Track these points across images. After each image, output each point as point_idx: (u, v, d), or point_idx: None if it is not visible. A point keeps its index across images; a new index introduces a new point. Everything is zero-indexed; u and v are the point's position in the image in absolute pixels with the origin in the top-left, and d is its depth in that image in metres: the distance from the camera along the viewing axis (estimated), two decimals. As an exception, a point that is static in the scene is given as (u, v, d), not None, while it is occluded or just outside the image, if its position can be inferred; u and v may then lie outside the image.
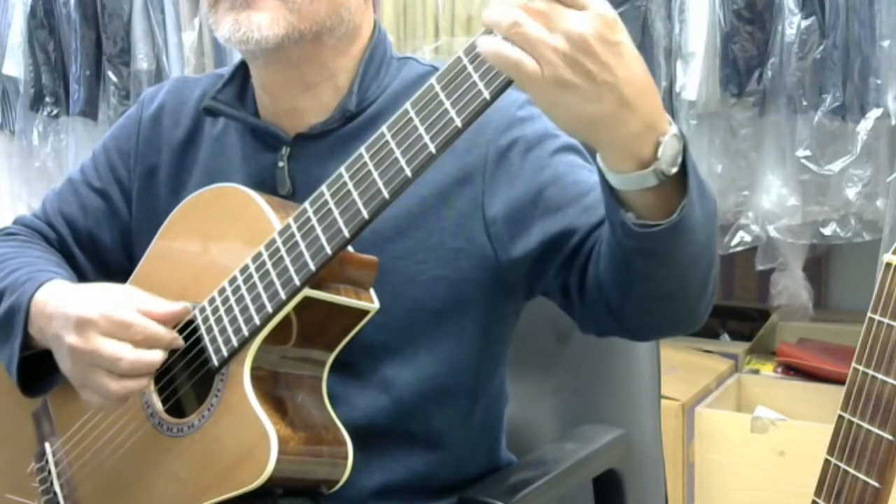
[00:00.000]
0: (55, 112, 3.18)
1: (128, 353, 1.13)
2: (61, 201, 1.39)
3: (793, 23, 2.28)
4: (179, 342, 1.16)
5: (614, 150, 0.96)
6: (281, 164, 1.24)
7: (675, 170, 0.96)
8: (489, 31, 0.92)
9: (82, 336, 1.15)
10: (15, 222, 1.41)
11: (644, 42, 2.38)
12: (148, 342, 1.13)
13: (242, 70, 1.30)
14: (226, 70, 1.34)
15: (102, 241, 1.36)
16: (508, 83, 0.95)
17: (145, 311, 1.15)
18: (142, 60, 2.99)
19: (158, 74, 2.98)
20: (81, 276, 1.35)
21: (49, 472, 1.27)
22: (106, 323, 1.14)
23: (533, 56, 0.89)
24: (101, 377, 1.14)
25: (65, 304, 1.18)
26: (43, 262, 1.31)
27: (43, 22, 3.12)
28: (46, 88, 3.17)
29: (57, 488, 1.27)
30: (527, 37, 0.89)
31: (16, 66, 3.19)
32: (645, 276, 1.04)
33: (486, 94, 0.96)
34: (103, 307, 1.14)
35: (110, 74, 3.03)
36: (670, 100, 2.41)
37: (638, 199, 0.98)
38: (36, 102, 3.21)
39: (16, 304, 1.23)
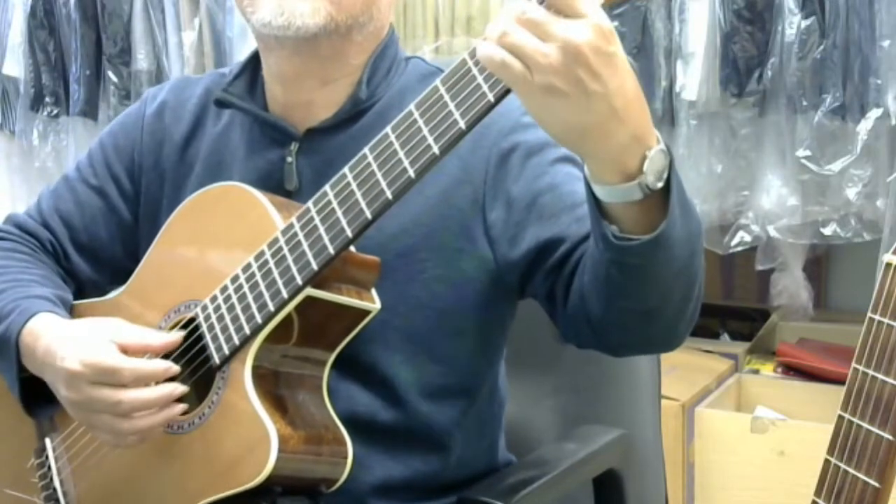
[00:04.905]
0: (55, 112, 3.17)
1: (124, 396, 1.12)
2: (57, 199, 1.38)
3: (793, 23, 2.27)
4: (173, 370, 1.14)
5: (601, 161, 0.96)
6: (290, 159, 1.24)
7: (660, 185, 0.96)
8: None
9: (74, 389, 1.15)
10: (6, 221, 1.40)
11: (644, 42, 2.37)
12: (139, 383, 1.13)
13: (252, 65, 1.30)
14: (227, 70, 1.34)
15: (100, 238, 1.36)
16: None
17: (134, 345, 1.14)
18: (142, 60, 2.98)
19: (158, 74, 2.98)
20: (76, 276, 1.35)
21: (49, 467, 1.28)
22: (92, 372, 1.13)
23: (524, 62, 0.89)
24: (108, 419, 1.14)
25: (52, 355, 1.17)
26: (27, 279, 1.30)
27: (43, 22, 3.11)
28: (46, 88, 3.16)
29: (57, 484, 1.27)
30: (515, 45, 0.89)
31: (16, 66, 3.19)
32: (624, 290, 1.05)
33: (490, 97, 0.96)
34: (87, 355, 1.14)
35: (110, 74, 3.02)
36: (670, 100, 2.40)
37: (622, 213, 0.99)
38: (36, 102, 3.20)
39: (4, 337, 1.23)
